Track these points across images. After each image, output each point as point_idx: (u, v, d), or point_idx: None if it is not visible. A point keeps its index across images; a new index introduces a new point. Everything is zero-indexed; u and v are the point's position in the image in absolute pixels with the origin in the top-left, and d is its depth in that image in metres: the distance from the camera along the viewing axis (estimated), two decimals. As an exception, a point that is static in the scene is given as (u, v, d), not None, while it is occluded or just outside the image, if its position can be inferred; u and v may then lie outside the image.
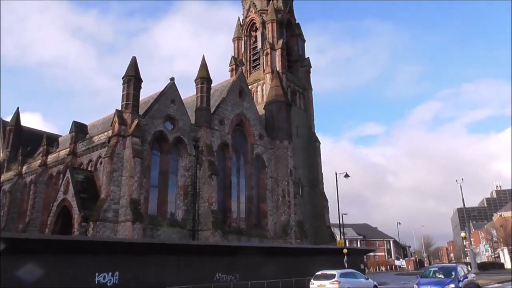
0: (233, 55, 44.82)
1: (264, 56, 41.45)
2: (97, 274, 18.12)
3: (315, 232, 38.14)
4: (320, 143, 43.17)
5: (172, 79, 30.95)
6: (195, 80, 32.57)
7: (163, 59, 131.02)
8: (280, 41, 41.68)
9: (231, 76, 41.36)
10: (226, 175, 32.47)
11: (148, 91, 37.02)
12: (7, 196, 35.48)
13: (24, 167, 35.65)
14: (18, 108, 41.48)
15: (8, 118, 41.71)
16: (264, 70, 40.92)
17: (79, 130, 31.46)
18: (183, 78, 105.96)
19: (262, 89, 40.68)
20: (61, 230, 26.14)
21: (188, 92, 34.98)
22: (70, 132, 32.23)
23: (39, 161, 33.92)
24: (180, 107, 30.42)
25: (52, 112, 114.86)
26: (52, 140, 35.73)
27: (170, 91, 30.24)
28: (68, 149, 31.36)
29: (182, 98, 31.68)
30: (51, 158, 33.29)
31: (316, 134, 43.39)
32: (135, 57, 28.95)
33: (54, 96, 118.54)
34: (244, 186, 33.86)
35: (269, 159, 35.83)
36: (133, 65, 28.47)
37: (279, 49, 41.12)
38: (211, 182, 29.19)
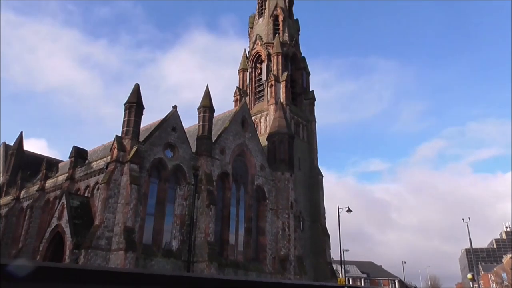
0: (238, 86, 45.19)
1: (268, 88, 41.68)
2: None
3: (315, 269, 36.93)
4: (322, 176, 42.59)
5: (175, 107, 30.97)
6: (198, 109, 32.59)
7: (169, 90, 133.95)
8: (285, 74, 41.99)
9: (236, 106, 41.46)
10: (225, 205, 31.83)
11: (153, 119, 37.42)
12: (2, 220, 35.02)
13: (23, 192, 35.35)
14: (21, 132, 41.74)
15: (12, 143, 41.83)
16: (268, 101, 41.03)
17: (78, 155, 31.30)
18: (188, 108, 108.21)
19: (266, 120, 40.64)
20: (53, 257, 25.45)
21: (192, 122, 34.92)
22: (69, 157, 32.12)
23: (38, 185, 33.64)
24: (181, 135, 30.26)
25: (57, 139, 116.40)
26: (52, 165, 35.57)
27: (172, 119, 30.18)
28: (66, 174, 31.11)
29: (185, 127, 31.65)
30: (49, 183, 33.01)
31: (320, 168, 42.91)
32: (138, 84, 29.13)
33: (60, 122, 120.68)
34: (243, 217, 33.10)
35: (270, 191, 35.23)
36: (136, 92, 28.59)
37: (284, 81, 41.39)
38: (209, 212, 28.55)
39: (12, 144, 41.25)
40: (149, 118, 33.63)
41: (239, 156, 34.35)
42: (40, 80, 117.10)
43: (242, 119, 35.46)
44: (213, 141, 32.02)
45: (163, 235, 27.46)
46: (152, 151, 28.01)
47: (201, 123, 31.87)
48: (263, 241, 33.40)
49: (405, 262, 74.74)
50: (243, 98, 40.63)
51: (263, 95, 42.68)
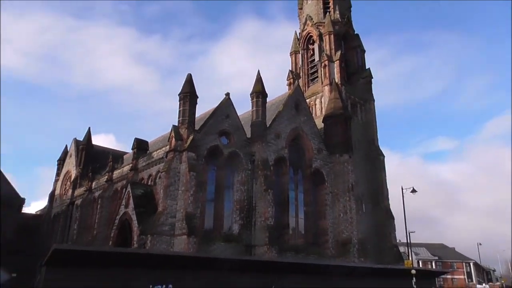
0: (290, 69, 44.59)
1: (322, 69, 40.65)
2: (151, 285, 18.28)
3: (379, 252, 35.81)
4: (384, 157, 40.99)
5: (227, 94, 31.25)
6: (250, 95, 32.63)
7: (220, 80, 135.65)
8: (338, 53, 40.67)
9: (289, 90, 40.99)
10: (283, 190, 31.78)
11: (206, 109, 38.56)
12: (78, 210, 37.77)
13: (94, 183, 37.80)
14: (89, 128, 44.51)
15: (81, 138, 44.77)
16: (322, 83, 40.05)
17: (140, 146, 32.83)
18: (240, 97, 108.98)
19: (321, 102, 39.75)
20: (123, 242, 27.00)
21: (246, 110, 35.18)
22: (132, 149, 33.74)
23: (106, 177, 35.79)
24: (235, 122, 30.53)
25: (123, 132, 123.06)
26: (117, 157, 37.67)
27: (225, 106, 30.51)
28: (130, 165, 32.76)
29: (239, 114, 31.89)
30: (116, 174, 34.98)
31: (381, 148, 41.34)
32: (190, 74, 29.73)
33: (124, 118, 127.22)
34: (302, 201, 32.91)
35: (328, 174, 34.59)
36: (189, 82, 29.20)
37: (337, 61, 40.11)
38: (267, 197, 28.67)
39: (81, 140, 44.23)
40: (203, 109, 34.29)
41: (294, 140, 34.04)
42: (101, 79, 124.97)
43: (295, 103, 35.01)
44: (267, 126, 31.96)
45: (223, 220, 28.07)
46: (207, 139, 28.57)
47: (254, 109, 31.91)
48: (324, 224, 33.00)
49: (480, 244, 70.20)
50: (296, 81, 40.01)
51: (317, 77, 41.72)
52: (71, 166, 44.61)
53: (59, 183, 46.21)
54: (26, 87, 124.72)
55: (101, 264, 16.96)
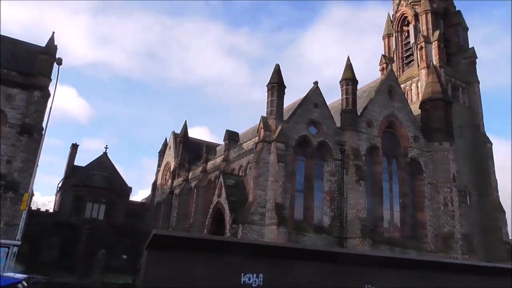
0: (383, 53, 42.32)
1: (417, 51, 37.91)
2: (242, 274, 18.80)
3: (487, 248, 32.57)
4: (491, 144, 37.05)
5: (315, 83, 30.61)
6: (339, 82, 31.62)
7: (310, 68, 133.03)
8: (436, 33, 37.51)
9: (382, 75, 38.94)
10: (376, 180, 30.38)
11: (294, 99, 38.20)
12: (177, 199, 40.31)
13: (190, 173, 39.98)
14: (185, 121, 47.11)
15: (179, 131, 47.60)
16: (418, 66, 37.39)
17: (231, 138, 33.83)
18: (330, 85, 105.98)
19: (417, 87, 37.16)
20: (217, 230, 28.16)
21: (336, 99, 34.19)
22: (224, 140, 34.91)
23: (201, 168, 37.59)
24: (324, 111, 29.83)
25: (216, 125, 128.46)
26: (211, 148, 39.32)
27: (313, 96, 29.94)
28: (222, 156, 33.95)
29: (328, 103, 31.12)
30: (209, 165, 36.54)
31: (488, 135, 37.45)
32: (278, 65, 29.67)
33: (217, 110, 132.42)
34: (397, 193, 31.13)
35: (426, 164, 32.22)
36: (277, 72, 29.17)
37: (435, 41, 37.05)
38: (359, 188, 27.65)
39: (179, 133, 47.02)
40: (294, 99, 34.01)
41: (388, 128, 32.27)
42: (196, 74, 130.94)
43: (389, 88, 33.09)
44: (359, 114, 30.73)
45: (313, 211, 27.73)
46: (296, 129, 28.33)
47: (344, 97, 30.86)
48: (422, 217, 30.89)
49: None
50: (389, 66, 37.78)
51: (412, 60, 39.04)
52: (170, 157, 47.73)
53: (160, 173, 49.76)
54: (130, 84, 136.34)
55: (195, 249, 17.93)
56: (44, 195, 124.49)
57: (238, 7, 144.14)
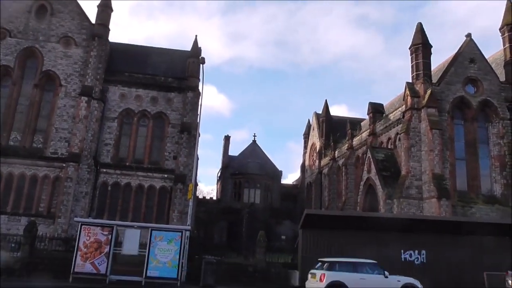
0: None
1: None
2: (402, 251, 17.68)
3: None
4: None
5: (469, 35, 26.86)
6: (500, 29, 27.18)
7: (457, 23, 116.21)
8: None
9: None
10: (561, 138, 25.24)
11: (442, 60, 33.73)
12: (326, 178, 40.30)
13: (336, 152, 39.44)
14: (326, 100, 46.52)
15: (320, 111, 47.34)
16: None
17: (375, 110, 32.04)
18: (484, 37, 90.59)
19: None
20: (370, 207, 27.18)
21: (492, 51, 29.41)
22: (367, 114, 33.30)
23: (346, 145, 36.70)
24: (483, 66, 25.98)
25: (354, 101, 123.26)
26: (355, 124, 37.97)
27: (467, 50, 26.30)
28: (368, 131, 32.47)
29: (487, 57, 27.03)
30: (355, 141, 35.40)
31: None
32: (420, 23, 26.88)
33: (353, 86, 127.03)
34: None
35: None
36: (419, 32, 26.45)
37: None
38: (539, 149, 23.38)
39: (320, 113, 46.75)
40: (439, 60, 30.17)
41: None
42: (327, 53, 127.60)
43: None
44: (530, 62, 25.88)
45: (480, 180, 24.58)
46: (450, 91, 25.36)
47: (507, 45, 26.50)
48: None
49: None
50: None
51: None
52: (315, 138, 47.91)
53: (307, 155, 50.40)
54: (265, 73, 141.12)
55: (347, 227, 17.53)
56: (208, 185, 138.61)
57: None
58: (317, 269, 14.04)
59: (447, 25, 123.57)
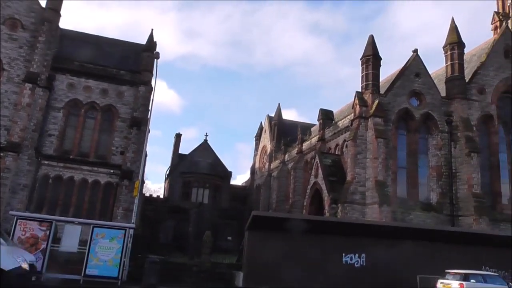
0: (495, 10, 37.44)
1: (540, 1, 32.77)
2: (344, 254, 18.31)
3: None
4: None
5: (415, 51, 28.32)
6: (443, 48, 28.81)
7: (403, 37, 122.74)
8: None
9: (495, 35, 34.51)
10: (491, 152, 27.30)
11: (390, 72, 35.53)
12: (275, 181, 40.86)
13: (286, 155, 40.14)
14: (279, 104, 47.46)
15: (273, 114, 48.00)
16: (541, 19, 32.36)
17: (325, 117, 33.02)
18: (429, 52, 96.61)
19: (542, 44, 32.20)
20: (316, 210, 27.90)
21: (436, 67, 31.26)
22: (318, 120, 34.22)
23: (296, 149, 37.48)
24: (427, 80, 27.50)
25: (304, 106, 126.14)
26: (305, 129, 38.92)
27: (414, 64, 27.73)
28: (318, 136, 33.35)
29: (431, 72, 28.67)
30: (305, 145, 36.23)
31: None
32: (372, 36, 27.99)
33: (304, 91, 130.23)
34: (518, 165, 27.60)
35: (557, 131, 27.98)
36: (371, 44, 27.53)
37: None
38: (471, 161, 25.10)
39: (273, 116, 47.41)
40: (386, 72, 31.46)
41: (505, 93, 28.65)
42: (280, 56, 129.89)
43: (505, 48, 29.29)
44: (468, 80, 27.75)
45: (418, 188, 25.97)
46: (395, 102, 26.60)
47: (449, 63, 28.09)
48: (552, 192, 27.02)
49: None
50: (504, 23, 33.28)
51: (533, 13, 33.88)
52: (266, 141, 48.47)
53: (258, 157, 50.87)
54: (219, 72, 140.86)
55: (293, 230, 17.88)
56: (155, 183, 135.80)
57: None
58: (446, 279, 15.79)
59: (395, 38, 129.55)
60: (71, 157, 28.89)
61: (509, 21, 34.71)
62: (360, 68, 27.53)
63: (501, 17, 35.75)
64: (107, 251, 14.81)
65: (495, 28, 36.31)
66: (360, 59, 27.69)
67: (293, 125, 43.14)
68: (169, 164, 50.35)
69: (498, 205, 26.37)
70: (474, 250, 19.06)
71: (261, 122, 52.60)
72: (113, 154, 29.63)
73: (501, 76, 28.44)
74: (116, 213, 27.53)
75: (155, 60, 22.56)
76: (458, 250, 18.80)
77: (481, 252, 19.07)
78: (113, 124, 30.28)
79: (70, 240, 14.90)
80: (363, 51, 27.78)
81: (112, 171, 28.99)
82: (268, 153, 46.21)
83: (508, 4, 36.63)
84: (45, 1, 29.73)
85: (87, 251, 14.60)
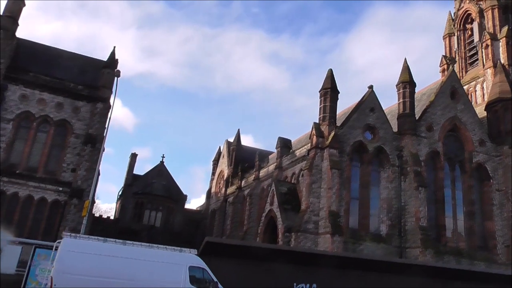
0: (443, 54, 40.17)
1: (483, 50, 35.54)
2: (295, 284, 18.31)
3: None
4: None
5: (371, 87, 29.64)
6: (396, 85, 30.33)
7: (358, 72, 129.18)
8: (505, 29, 35.00)
9: (443, 77, 36.91)
10: (437, 187, 28.65)
11: (345, 105, 37.14)
12: (231, 207, 40.60)
13: (243, 182, 40.14)
14: (238, 130, 47.51)
15: (231, 139, 48.11)
16: (483, 66, 35.01)
17: (283, 145, 33.57)
18: (381, 88, 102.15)
19: (482, 88, 34.81)
20: (270, 238, 27.87)
21: (389, 102, 32.98)
22: (276, 148, 34.73)
23: (253, 175, 37.63)
24: (381, 115, 28.75)
25: (261, 132, 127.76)
26: (263, 156, 39.27)
27: (369, 100, 28.96)
28: (275, 164, 33.74)
29: (384, 108, 30.03)
30: (262, 172, 36.48)
31: None
32: (331, 70, 29.05)
33: (261, 118, 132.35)
34: (461, 200, 29.13)
35: (495, 169, 29.94)
36: (329, 78, 28.57)
37: (503, 38, 34.57)
38: (418, 195, 26.19)
39: (231, 141, 47.51)
40: (341, 104, 32.48)
41: (450, 131, 30.44)
42: (238, 82, 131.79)
43: (451, 90, 31.22)
44: (418, 118, 29.30)
45: (369, 219, 26.68)
46: (351, 135, 27.51)
47: (401, 100, 29.54)
48: (491, 226, 28.69)
49: None
50: (451, 67, 35.69)
51: (476, 60, 36.66)
52: (224, 166, 48.30)
53: (215, 181, 50.45)
54: (176, 93, 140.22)
55: (246, 257, 17.74)
56: (105, 203, 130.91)
57: (278, 14, 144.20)
58: None
59: (350, 72, 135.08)
60: (17, 171, 27.45)
61: (455, 65, 37.35)
62: (319, 99, 28.38)
63: (448, 61, 38.27)
64: (48, 274, 13.99)
65: (443, 71, 38.82)
66: (319, 91, 28.60)
67: (252, 151, 43.40)
68: (121, 184, 48.97)
69: (443, 238, 27.53)
70: (421, 281, 19.70)
71: (219, 147, 52.50)
72: (64, 171, 28.49)
73: (447, 116, 30.23)
74: (61, 233, 26.16)
75: (116, 78, 22.28)
76: (406, 281, 19.36)
77: (428, 283, 19.73)
78: (66, 140, 29.28)
79: (8, 261, 14.01)
80: (322, 84, 28.74)
81: (61, 188, 27.80)
82: (225, 178, 45.97)
83: (454, 50, 39.46)
84: (2, 8, 28.81)
85: (26, 273, 13.75)
